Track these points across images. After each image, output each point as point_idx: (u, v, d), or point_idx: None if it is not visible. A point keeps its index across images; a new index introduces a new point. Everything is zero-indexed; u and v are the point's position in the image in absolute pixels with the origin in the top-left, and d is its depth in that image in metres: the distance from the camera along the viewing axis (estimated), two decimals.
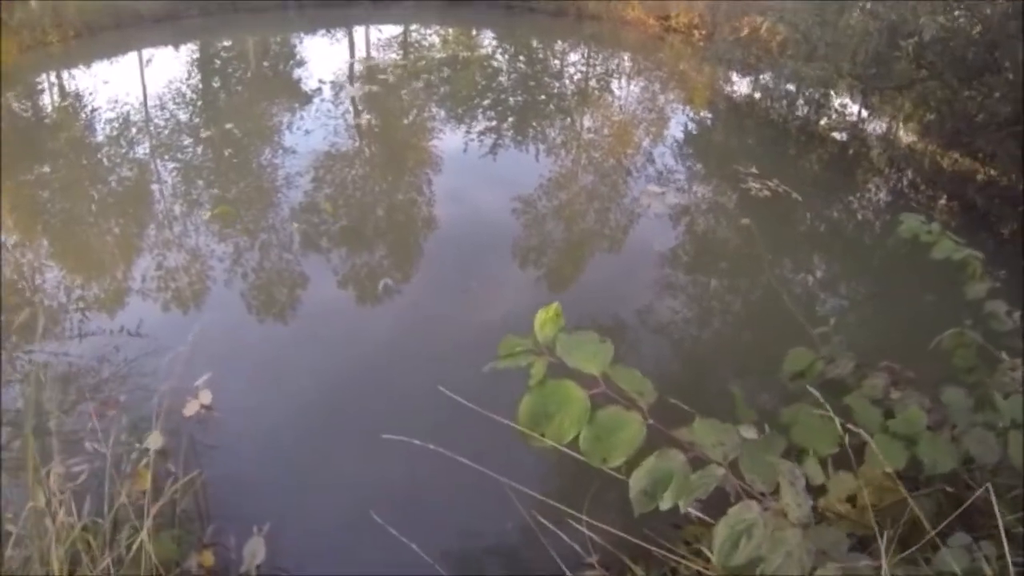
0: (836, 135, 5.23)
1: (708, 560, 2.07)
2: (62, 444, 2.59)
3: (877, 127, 5.41)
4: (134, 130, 4.96)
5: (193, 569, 2.40)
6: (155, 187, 4.29)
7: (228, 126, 5.07)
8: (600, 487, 2.18)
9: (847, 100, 5.70)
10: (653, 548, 2.00)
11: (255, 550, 2.52)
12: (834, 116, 5.51)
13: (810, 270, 3.93)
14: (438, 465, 2.69)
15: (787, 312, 3.50)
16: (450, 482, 2.61)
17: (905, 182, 4.67)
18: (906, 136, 5.16)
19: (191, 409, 3.06)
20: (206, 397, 3.09)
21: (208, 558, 2.46)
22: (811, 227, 4.27)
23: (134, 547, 1.98)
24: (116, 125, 5.01)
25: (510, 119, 5.10)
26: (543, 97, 5.31)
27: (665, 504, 1.10)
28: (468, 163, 4.56)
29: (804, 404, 1.73)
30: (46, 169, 4.49)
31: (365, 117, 5.18)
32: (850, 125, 5.39)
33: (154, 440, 2.77)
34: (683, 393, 1.90)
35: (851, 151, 5.09)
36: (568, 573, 2.29)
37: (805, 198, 4.28)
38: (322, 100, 5.22)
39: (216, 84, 5.60)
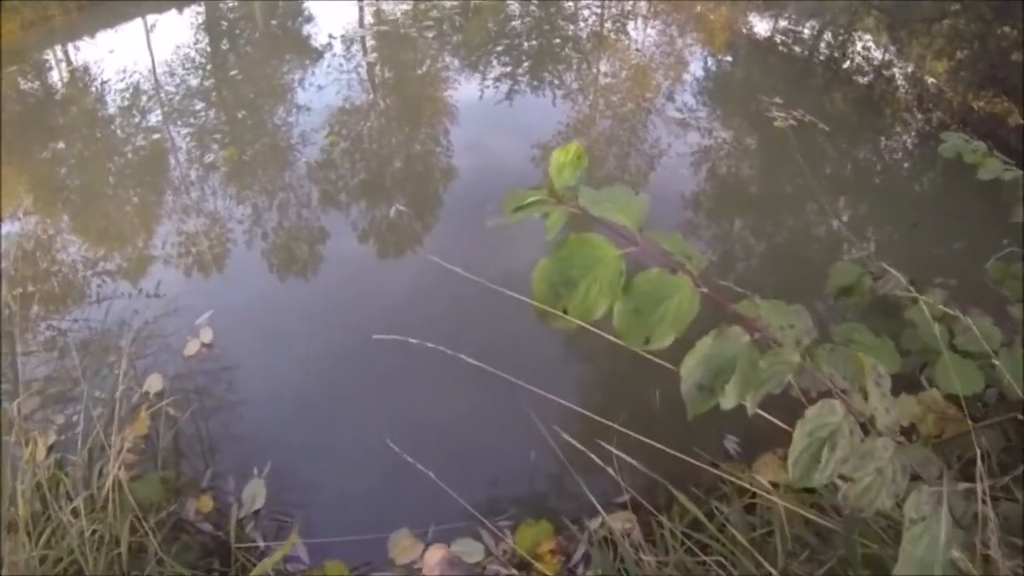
0: (860, 78, 5.09)
1: (752, 496, 2.06)
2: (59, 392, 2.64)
3: (904, 69, 5.25)
4: (145, 98, 4.86)
5: (191, 515, 2.33)
6: (170, 155, 4.31)
7: (239, 87, 4.98)
8: (633, 411, 2.15)
9: (871, 43, 5.55)
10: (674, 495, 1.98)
11: (255, 493, 2.45)
12: (859, 58, 5.37)
13: (845, 196, 3.81)
14: (455, 405, 2.68)
15: (825, 239, 3.46)
16: (467, 415, 2.65)
17: (934, 122, 4.53)
18: (934, 78, 5.00)
19: (192, 348, 3.04)
20: (207, 335, 3.03)
21: (206, 503, 2.40)
22: (842, 156, 4.13)
23: (107, 487, 1.89)
24: (127, 95, 4.91)
25: (525, 64, 4.96)
26: (558, 41, 5.17)
27: (728, 401, 0.86)
28: (485, 111, 4.44)
29: (856, 324, 1.62)
30: (61, 145, 4.48)
31: (378, 70, 5.07)
32: (875, 67, 5.24)
33: (154, 383, 2.83)
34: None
35: (877, 90, 4.95)
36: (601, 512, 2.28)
37: (833, 130, 4.16)
38: (333, 55, 5.11)
39: (224, 46, 5.52)
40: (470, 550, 2.30)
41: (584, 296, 0.87)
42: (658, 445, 1.54)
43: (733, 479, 1.96)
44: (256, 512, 2.39)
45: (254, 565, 2.14)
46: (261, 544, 2.30)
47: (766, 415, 1.13)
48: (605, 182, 3.82)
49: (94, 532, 1.82)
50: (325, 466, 2.57)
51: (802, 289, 2.92)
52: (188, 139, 4.39)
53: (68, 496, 1.89)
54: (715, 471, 1.92)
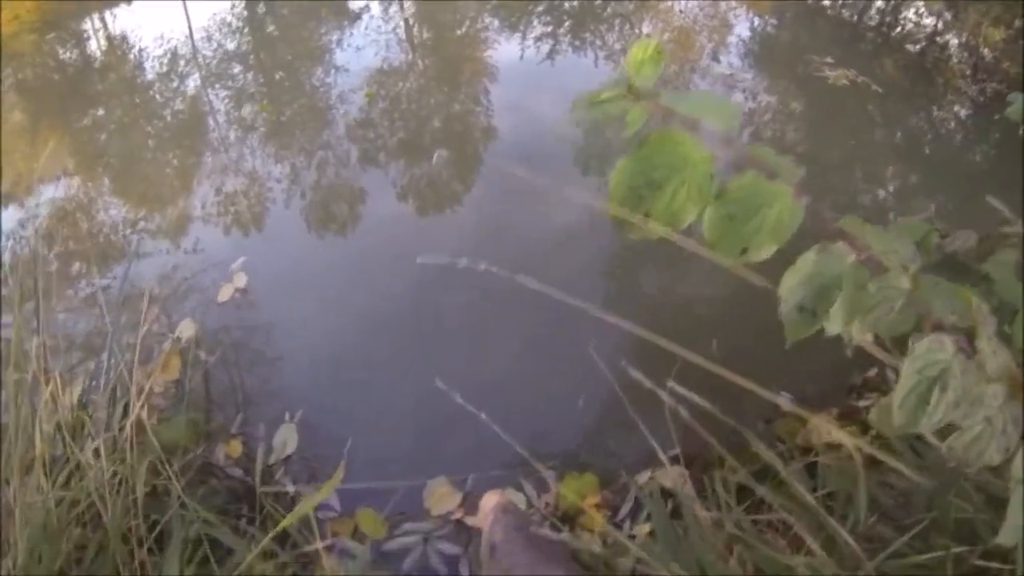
0: (911, 46, 4.91)
1: (810, 451, 1.95)
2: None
3: (959, 36, 5.04)
4: (183, 63, 4.83)
5: (219, 459, 2.30)
6: (208, 117, 4.31)
7: (277, 50, 4.98)
8: (683, 363, 2.07)
9: (924, 9, 5.34)
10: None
11: (286, 439, 2.40)
12: (910, 24, 5.18)
13: (901, 156, 3.69)
14: (495, 356, 2.63)
15: (871, 206, 3.33)
16: (508, 366, 2.61)
17: (989, 92, 4.35)
18: (990, 47, 4.79)
19: (225, 294, 2.97)
20: (241, 280, 2.99)
21: (235, 448, 2.36)
22: (897, 116, 3.96)
23: (127, 428, 1.82)
24: (164, 61, 4.87)
25: (567, 24, 4.83)
26: (599, 1, 5.08)
27: (834, 324, 0.77)
28: (525, 72, 4.35)
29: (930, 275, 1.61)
30: (100, 112, 4.50)
31: (416, 31, 4.99)
32: (928, 34, 5.04)
33: (186, 328, 2.77)
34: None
35: (929, 58, 4.76)
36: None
37: (886, 92, 3.98)
38: (371, 17, 5.01)
39: (261, 9, 5.50)
40: (517, 501, 2.21)
41: (671, 200, 0.80)
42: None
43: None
44: (287, 458, 2.35)
45: (281, 511, 2.09)
46: (291, 490, 2.25)
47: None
48: None
49: (114, 474, 1.76)
50: (359, 414, 2.51)
51: None
52: (226, 102, 4.34)
53: (91, 437, 1.84)
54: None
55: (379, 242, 3.21)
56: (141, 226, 3.41)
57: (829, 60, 4.20)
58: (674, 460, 2.13)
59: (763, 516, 1.70)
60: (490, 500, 2.14)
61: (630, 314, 2.48)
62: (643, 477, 2.20)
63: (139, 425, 1.85)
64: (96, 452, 1.76)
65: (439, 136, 3.84)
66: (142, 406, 1.85)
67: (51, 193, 3.76)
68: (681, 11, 4.91)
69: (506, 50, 4.61)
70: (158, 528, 1.75)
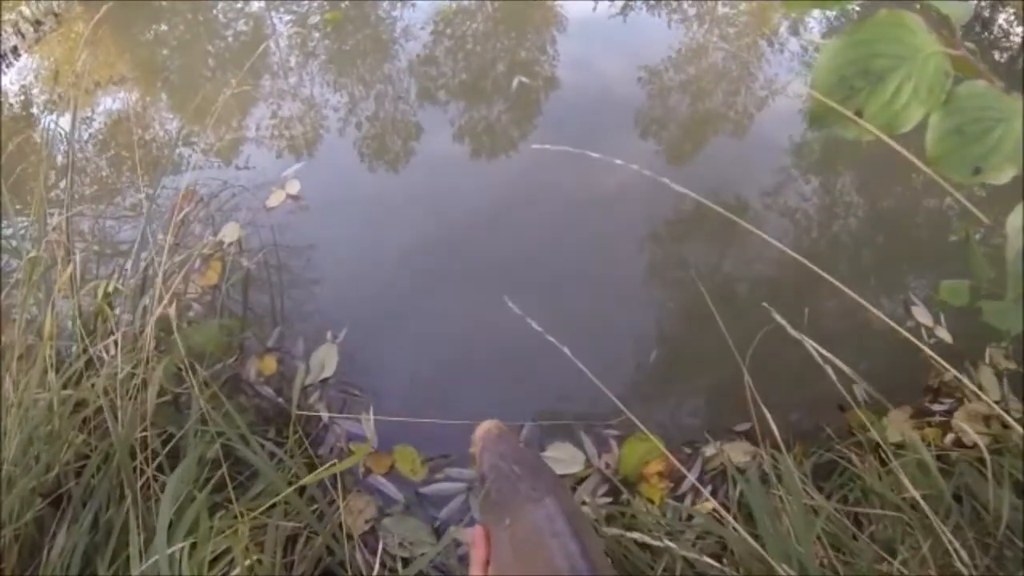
0: (998, 54, 4.68)
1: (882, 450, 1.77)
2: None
3: None
4: None
5: (251, 375, 2.13)
6: (270, 40, 4.23)
7: None
8: (766, 345, 1.98)
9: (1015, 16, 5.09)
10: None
11: (325, 359, 2.24)
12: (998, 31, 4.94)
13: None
14: (558, 299, 2.48)
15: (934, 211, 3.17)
16: (572, 309, 2.47)
17: None
18: None
19: (276, 199, 2.86)
20: (293, 187, 2.90)
21: (269, 364, 2.19)
22: None
23: (149, 326, 1.61)
24: None
25: None
26: None
27: (996, 170, 0.63)
28: (595, 25, 4.19)
29: None
30: (163, 28, 4.48)
31: None
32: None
33: (230, 232, 2.65)
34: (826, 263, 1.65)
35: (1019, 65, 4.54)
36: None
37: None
38: None
39: None
40: (568, 457, 2.09)
41: (893, 97, 0.65)
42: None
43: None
44: (324, 381, 2.22)
45: (311, 437, 1.98)
46: (324, 416, 2.12)
47: None
48: (710, 116, 3.63)
49: (131, 377, 1.56)
50: (407, 343, 2.39)
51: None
52: (289, 26, 4.24)
53: (111, 332, 1.65)
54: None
55: (431, 179, 3.13)
56: (194, 142, 3.39)
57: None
58: (744, 436, 2.08)
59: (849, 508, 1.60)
60: (481, 428, 2.06)
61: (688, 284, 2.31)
62: (710, 449, 2.07)
63: (165, 325, 1.67)
64: (111, 348, 1.59)
65: (501, 81, 3.74)
66: (170, 302, 1.67)
67: (108, 103, 3.76)
68: None
69: (578, 2, 4.44)
70: (172, 442, 1.57)
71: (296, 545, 1.61)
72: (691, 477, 1.95)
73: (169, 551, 1.19)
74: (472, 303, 2.49)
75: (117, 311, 1.75)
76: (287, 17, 4.29)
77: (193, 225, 2.75)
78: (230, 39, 4.30)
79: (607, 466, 2.06)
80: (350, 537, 1.76)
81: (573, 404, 2.19)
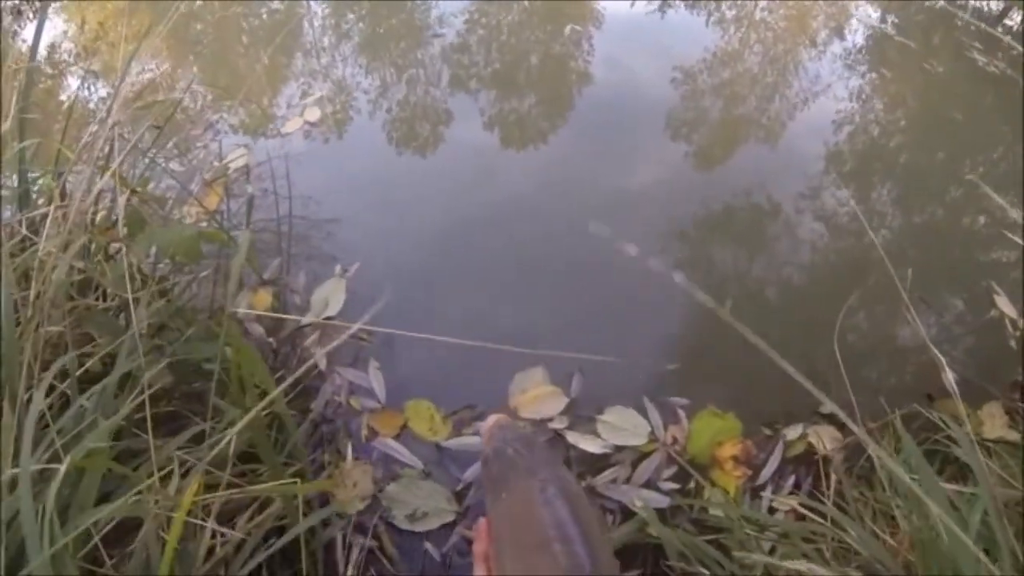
0: None
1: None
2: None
3: None
4: None
5: (240, 310, 1.78)
6: (304, 20, 4.19)
7: None
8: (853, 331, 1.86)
9: None
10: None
11: (330, 296, 1.93)
12: None
13: None
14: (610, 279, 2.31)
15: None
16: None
17: None
18: None
19: (293, 125, 2.66)
20: (313, 114, 2.72)
21: (263, 298, 1.87)
22: None
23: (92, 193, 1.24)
24: None
25: None
26: None
27: None
28: (632, 22, 4.05)
29: None
30: (199, 3, 4.43)
31: None
32: None
33: (237, 157, 2.42)
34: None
35: None
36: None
37: None
38: None
39: None
40: (629, 425, 1.78)
41: None
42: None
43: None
44: (327, 320, 1.91)
45: (300, 387, 1.66)
46: (321, 365, 1.78)
47: None
48: (743, 121, 3.52)
49: (82, 274, 1.22)
50: (429, 280, 2.17)
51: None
52: (324, 7, 4.15)
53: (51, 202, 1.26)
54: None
55: (458, 166, 3.00)
56: (223, 117, 3.33)
57: (978, 45, 3.83)
58: (828, 419, 1.82)
59: None
60: (488, 420, 1.92)
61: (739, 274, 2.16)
62: (792, 432, 1.81)
63: (129, 214, 1.29)
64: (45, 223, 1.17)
65: (534, 74, 3.60)
66: (121, 163, 1.29)
67: (139, 73, 3.71)
68: None
69: None
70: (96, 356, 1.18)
71: (246, 518, 1.25)
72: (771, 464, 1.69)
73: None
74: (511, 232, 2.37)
75: (69, 183, 1.37)
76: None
77: (199, 151, 2.61)
78: (264, 16, 4.24)
79: (674, 441, 1.77)
80: (341, 516, 1.51)
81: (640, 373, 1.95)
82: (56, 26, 4.01)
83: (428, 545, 1.61)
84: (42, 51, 3.80)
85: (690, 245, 2.61)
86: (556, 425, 1.82)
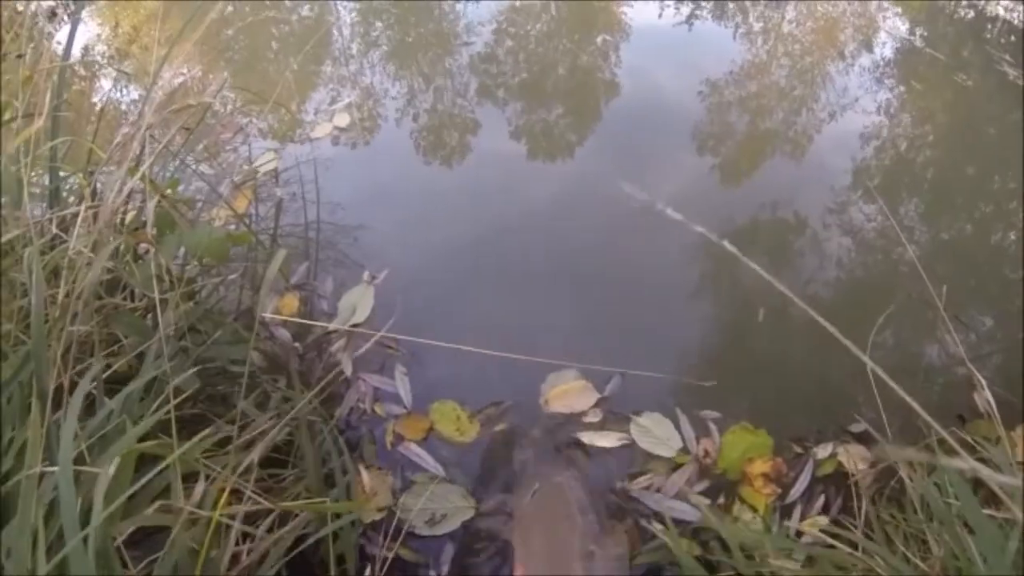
0: None
1: None
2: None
3: None
4: None
5: (267, 315, 1.74)
6: (334, 28, 4.19)
7: None
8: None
9: None
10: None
11: (357, 303, 1.90)
12: None
13: None
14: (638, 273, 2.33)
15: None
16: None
17: None
18: None
19: (322, 130, 2.65)
20: (342, 120, 2.69)
21: (290, 303, 1.84)
22: None
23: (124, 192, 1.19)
24: None
25: None
26: None
27: None
28: (659, 33, 4.02)
29: None
30: (229, 8, 4.45)
31: None
32: None
33: (266, 160, 2.41)
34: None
35: None
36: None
37: None
38: None
39: None
40: (662, 434, 1.76)
41: None
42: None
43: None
44: (353, 328, 1.86)
45: (325, 393, 1.58)
46: (347, 371, 1.76)
47: None
48: (769, 135, 3.45)
49: (111, 274, 1.19)
50: (458, 287, 2.16)
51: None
52: (353, 14, 4.15)
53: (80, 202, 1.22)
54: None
55: (484, 175, 2.97)
56: (252, 122, 3.33)
57: (1008, 57, 3.73)
58: (859, 438, 1.76)
59: None
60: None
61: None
62: (823, 451, 1.75)
63: (165, 221, 1.26)
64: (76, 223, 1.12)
65: (561, 84, 3.56)
66: (151, 164, 1.25)
67: (171, 77, 3.71)
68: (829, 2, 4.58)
69: (644, 7, 4.29)
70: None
71: (267, 526, 1.18)
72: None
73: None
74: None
75: (99, 184, 1.34)
76: (352, 6, 4.23)
77: (228, 154, 2.59)
78: (295, 22, 4.26)
79: (705, 454, 1.73)
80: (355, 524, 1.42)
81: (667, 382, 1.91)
82: (90, 29, 4.03)
83: (449, 545, 1.57)
84: (76, 53, 3.82)
85: (715, 259, 2.57)
86: (590, 419, 1.81)
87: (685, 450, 1.77)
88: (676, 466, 1.73)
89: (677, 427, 1.81)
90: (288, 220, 2.25)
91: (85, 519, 0.78)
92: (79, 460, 0.86)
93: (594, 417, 1.81)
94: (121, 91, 3.38)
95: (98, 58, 3.86)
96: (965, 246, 2.78)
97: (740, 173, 3.18)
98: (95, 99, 3.48)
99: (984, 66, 3.77)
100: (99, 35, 4.02)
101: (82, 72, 3.72)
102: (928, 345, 2.21)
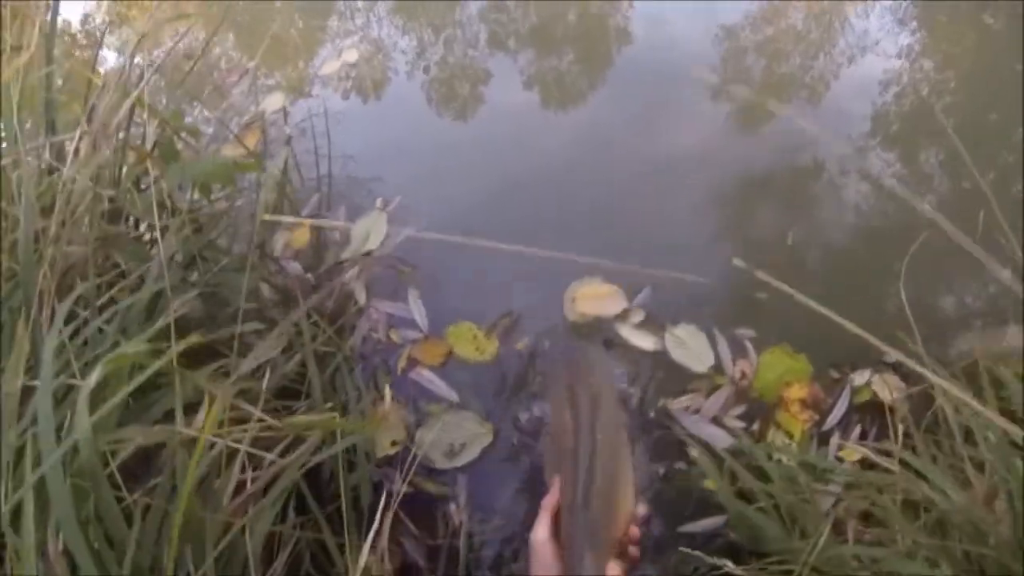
0: None
1: None
2: None
3: None
4: None
5: (276, 249, 1.73)
6: None
7: None
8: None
9: None
10: None
11: (370, 229, 1.85)
12: None
13: None
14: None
15: None
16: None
17: None
18: None
19: (331, 67, 2.61)
20: (351, 55, 2.66)
21: (301, 236, 1.79)
22: None
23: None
24: None
25: None
26: None
27: None
28: None
29: None
30: None
31: None
32: None
33: (273, 101, 2.36)
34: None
35: None
36: None
37: None
38: None
39: None
40: (697, 348, 1.72)
41: None
42: None
43: None
44: (366, 255, 1.82)
45: (338, 322, 1.55)
46: (360, 299, 1.71)
47: None
48: (785, 81, 3.37)
49: (112, 203, 1.14)
50: (471, 226, 2.06)
51: None
52: None
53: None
54: None
55: (497, 126, 2.91)
56: (260, 82, 3.27)
57: None
58: (894, 368, 1.70)
59: None
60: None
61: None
62: (860, 378, 1.69)
63: (163, 145, 1.21)
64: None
65: (571, 31, 3.52)
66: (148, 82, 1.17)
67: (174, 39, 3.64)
68: None
69: None
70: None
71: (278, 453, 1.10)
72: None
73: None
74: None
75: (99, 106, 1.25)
76: None
77: (236, 97, 2.55)
78: None
79: (742, 376, 1.68)
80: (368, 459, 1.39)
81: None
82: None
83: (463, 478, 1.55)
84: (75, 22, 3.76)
85: (738, 201, 2.50)
86: (632, 319, 1.79)
87: (718, 368, 1.73)
88: (715, 387, 1.70)
89: (712, 344, 1.78)
90: (300, 155, 2.21)
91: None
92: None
93: (636, 317, 1.79)
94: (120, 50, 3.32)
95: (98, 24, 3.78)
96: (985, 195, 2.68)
97: (759, 118, 3.08)
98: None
99: (1011, 7, 3.62)
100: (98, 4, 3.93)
101: (83, 42, 3.67)
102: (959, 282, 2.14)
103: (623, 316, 1.81)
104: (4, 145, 1.13)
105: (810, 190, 2.57)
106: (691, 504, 1.53)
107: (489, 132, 2.89)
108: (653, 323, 1.82)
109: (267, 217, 1.47)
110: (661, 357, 1.78)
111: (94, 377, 0.70)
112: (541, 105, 3.01)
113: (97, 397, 0.74)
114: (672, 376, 1.76)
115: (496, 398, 1.68)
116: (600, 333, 1.80)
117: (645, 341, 1.77)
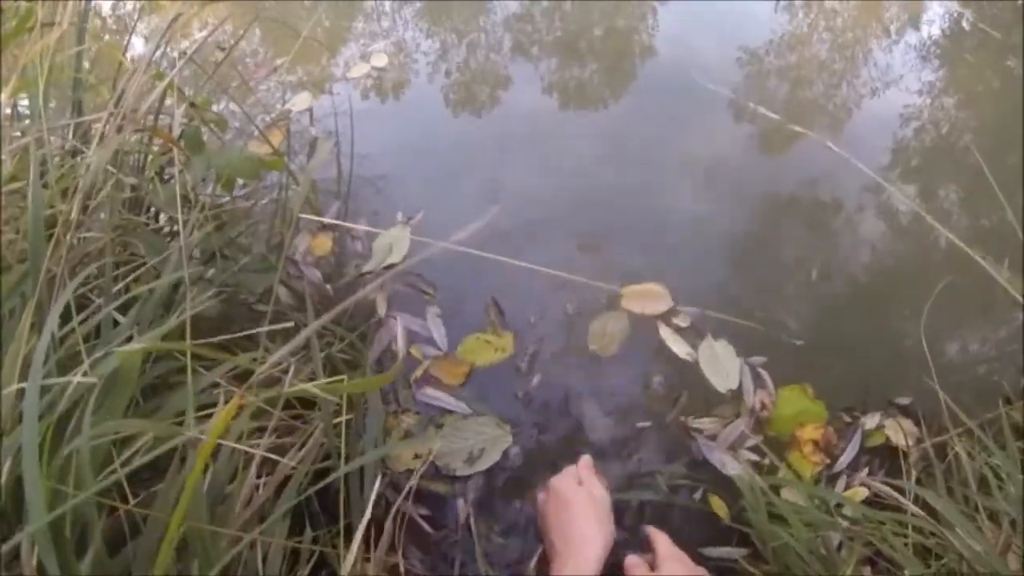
0: None
1: None
2: None
3: None
4: None
5: (298, 252, 1.69)
6: None
7: None
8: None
9: None
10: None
11: (393, 243, 1.81)
12: None
13: None
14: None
15: None
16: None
17: None
18: None
19: (359, 71, 2.60)
20: (380, 60, 2.64)
21: (323, 243, 1.77)
22: None
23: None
24: None
25: None
26: None
27: None
28: (699, 2, 3.91)
29: None
30: None
31: None
32: None
33: (300, 101, 2.37)
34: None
35: None
36: None
37: None
38: None
39: None
40: (729, 364, 1.70)
41: None
42: None
43: None
44: (388, 268, 1.78)
45: (355, 333, 1.52)
46: (380, 312, 1.67)
47: None
48: (808, 106, 3.31)
49: (134, 192, 1.10)
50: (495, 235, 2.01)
51: None
52: None
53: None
54: None
55: (515, 130, 2.86)
56: (283, 78, 3.23)
57: None
58: (903, 411, 1.68)
59: None
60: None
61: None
62: (870, 421, 1.66)
63: (189, 134, 1.18)
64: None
65: (596, 45, 3.49)
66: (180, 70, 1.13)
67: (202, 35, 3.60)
68: None
69: None
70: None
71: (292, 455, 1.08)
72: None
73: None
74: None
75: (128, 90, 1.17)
76: None
77: (262, 94, 2.54)
78: None
79: (761, 407, 1.65)
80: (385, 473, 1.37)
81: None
82: None
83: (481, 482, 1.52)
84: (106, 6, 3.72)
85: (760, 222, 2.46)
86: (678, 322, 1.80)
87: (737, 393, 1.70)
88: (735, 414, 1.68)
89: (741, 369, 1.75)
90: (321, 174, 2.18)
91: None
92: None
93: (683, 321, 1.81)
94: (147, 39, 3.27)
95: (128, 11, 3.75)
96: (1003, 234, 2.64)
97: (780, 141, 3.04)
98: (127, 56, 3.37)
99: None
100: None
101: (113, 27, 3.63)
102: (978, 325, 2.09)
103: (667, 316, 1.82)
104: (28, 122, 1.07)
105: (832, 222, 2.52)
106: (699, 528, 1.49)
107: (507, 133, 2.86)
108: (693, 330, 1.83)
109: (303, 216, 1.42)
110: (689, 367, 1.77)
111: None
112: (559, 109, 2.98)
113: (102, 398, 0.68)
114: (694, 389, 1.75)
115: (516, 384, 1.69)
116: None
117: (680, 347, 1.76)
